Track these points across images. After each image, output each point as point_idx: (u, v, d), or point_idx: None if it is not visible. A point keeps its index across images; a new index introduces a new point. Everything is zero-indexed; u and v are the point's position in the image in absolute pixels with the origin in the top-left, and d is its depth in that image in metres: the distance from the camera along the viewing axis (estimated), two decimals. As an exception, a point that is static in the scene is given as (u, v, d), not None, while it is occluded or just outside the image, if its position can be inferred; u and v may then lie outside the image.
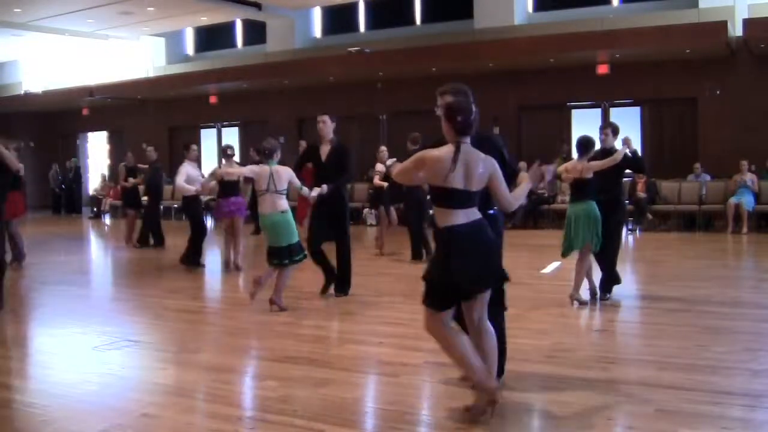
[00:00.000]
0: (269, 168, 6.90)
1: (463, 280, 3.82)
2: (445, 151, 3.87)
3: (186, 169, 9.91)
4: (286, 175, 6.94)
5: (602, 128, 7.40)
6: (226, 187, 9.70)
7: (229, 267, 9.71)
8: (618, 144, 7.31)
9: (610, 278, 7.26)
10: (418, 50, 16.79)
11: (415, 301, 7.35)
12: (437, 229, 3.96)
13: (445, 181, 3.83)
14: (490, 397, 3.84)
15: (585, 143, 7.08)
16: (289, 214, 6.93)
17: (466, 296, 3.91)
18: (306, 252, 7.09)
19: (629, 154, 7.16)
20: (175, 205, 17.68)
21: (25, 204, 11.11)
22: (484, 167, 3.88)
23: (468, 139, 3.91)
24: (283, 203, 6.89)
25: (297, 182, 7.14)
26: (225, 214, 9.79)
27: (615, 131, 7.38)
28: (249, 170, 8.66)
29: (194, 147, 10.48)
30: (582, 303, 6.98)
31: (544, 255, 10.95)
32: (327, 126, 7.47)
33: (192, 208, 10.26)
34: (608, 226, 6.97)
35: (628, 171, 7.86)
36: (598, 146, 7.27)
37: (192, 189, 9.72)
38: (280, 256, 6.82)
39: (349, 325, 6.56)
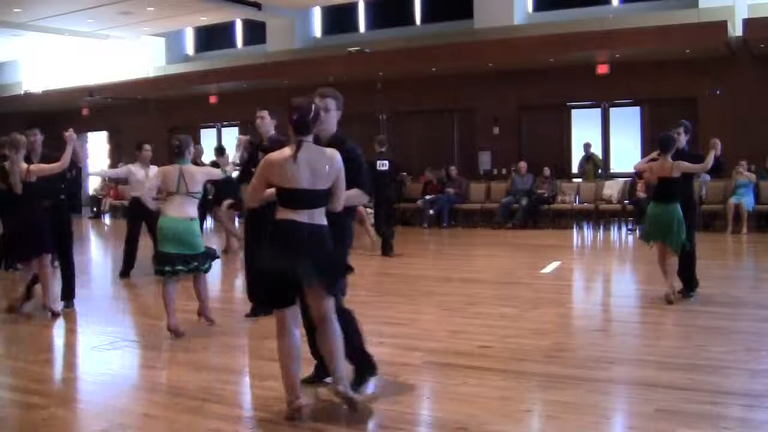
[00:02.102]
0: (179, 167, 6.12)
1: (285, 270, 3.85)
2: (287, 150, 3.95)
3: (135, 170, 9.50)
4: (200, 176, 6.24)
5: (675, 127, 7.29)
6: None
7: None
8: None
9: (693, 276, 7.20)
10: (418, 50, 16.78)
11: (415, 301, 7.38)
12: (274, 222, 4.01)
13: (289, 181, 3.89)
14: (289, 407, 3.92)
15: (668, 141, 7.00)
16: (196, 223, 6.18)
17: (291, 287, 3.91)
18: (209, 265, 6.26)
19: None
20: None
21: None
22: (330, 166, 3.92)
23: (310, 138, 3.96)
24: (193, 209, 6.11)
25: (215, 173, 6.64)
26: None
27: (687, 130, 7.31)
28: (125, 170, 8.48)
29: (147, 147, 9.66)
30: (670, 302, 6.82)
31: (544, 255, 10.95)
32: (265, 122, 6.70)
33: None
34: (688, 227, 6.96)
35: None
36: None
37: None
38: (172, 263, 5.97)
39: (349, 325, 6.55)
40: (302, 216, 3.89)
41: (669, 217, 6.86)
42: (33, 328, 6.63)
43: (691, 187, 7.42)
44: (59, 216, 7.20)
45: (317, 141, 4.10)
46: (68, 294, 7.28)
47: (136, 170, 9.52)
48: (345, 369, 4.09)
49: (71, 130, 6.98)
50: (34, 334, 6.47)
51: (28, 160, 6.88)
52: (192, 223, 6.08)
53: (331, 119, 4.32)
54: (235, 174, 7.74)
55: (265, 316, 6.30)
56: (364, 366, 4.47)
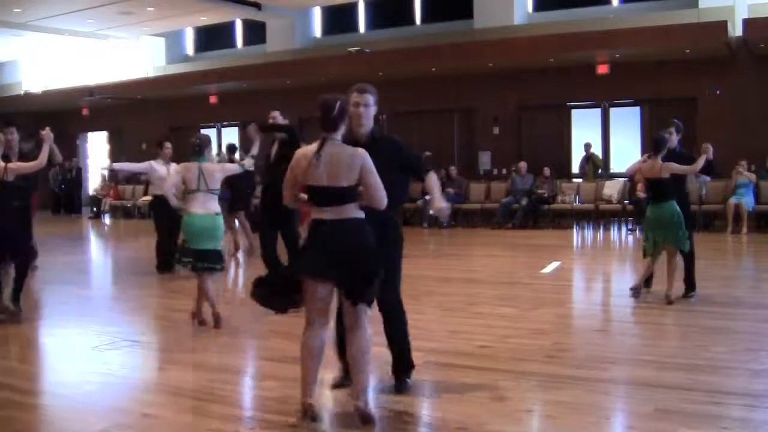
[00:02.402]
0: (198, 165, 6.31)
1: (307, 271, 3.87)
2: (311, 147, 3.93)
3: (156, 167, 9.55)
4: (218, 173, 6.44)
5: (667, 127, 7.32)
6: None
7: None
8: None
9: (691, 276, 7.21)
10: (418, 50, 16.79)
11: (415, 301, 7.38)
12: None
13: (312, 178, 3.86)
14: (303, 408, 3.90)
15: (660, 142, 7.03)
16: (221, 218, 6.43)
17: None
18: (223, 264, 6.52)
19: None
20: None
21: (36, 203, 10.83)
22: (353, 161, 3.84)
23: (337, 135, 3.89)
24: (215, 205, 6.34)
25: (232, 168, 6.88)
26: None
27: (678, 129, 7.33)
28: (147, 165, 8.51)
29: (168, 145, 9.79)
30: (670, 302, 6.81)
31: (544, 255, 10.96)
32: (277, 122, 6.74)
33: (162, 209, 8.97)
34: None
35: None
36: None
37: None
38: (207, 260, 6.21)
39: (349, 325, 6.54)
40: (328, 214, 3.87)
41: (668, 213, 6.89)
42: (32, 329, 6.63)
43: (684, 188, 7.43)
44: (25, 216, 7.25)
45: (354, 137, 4.07)
46: (18, 294, 6.90)
47: (158, 167, 9.53)
48: (366, 382, 4.01)
49: (47, 128, 7.00)
50: (33, 334, 6.48)
51: (6, 158, 6.87)
52: (218, 218, 6.31)
53: (370, 115, 4.19)
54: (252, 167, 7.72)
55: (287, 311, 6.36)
56: (403, 367, 4.46)
